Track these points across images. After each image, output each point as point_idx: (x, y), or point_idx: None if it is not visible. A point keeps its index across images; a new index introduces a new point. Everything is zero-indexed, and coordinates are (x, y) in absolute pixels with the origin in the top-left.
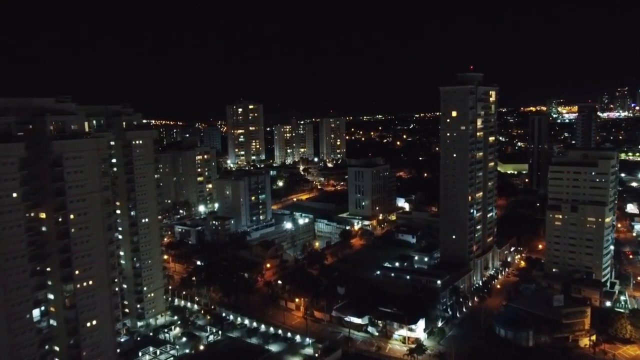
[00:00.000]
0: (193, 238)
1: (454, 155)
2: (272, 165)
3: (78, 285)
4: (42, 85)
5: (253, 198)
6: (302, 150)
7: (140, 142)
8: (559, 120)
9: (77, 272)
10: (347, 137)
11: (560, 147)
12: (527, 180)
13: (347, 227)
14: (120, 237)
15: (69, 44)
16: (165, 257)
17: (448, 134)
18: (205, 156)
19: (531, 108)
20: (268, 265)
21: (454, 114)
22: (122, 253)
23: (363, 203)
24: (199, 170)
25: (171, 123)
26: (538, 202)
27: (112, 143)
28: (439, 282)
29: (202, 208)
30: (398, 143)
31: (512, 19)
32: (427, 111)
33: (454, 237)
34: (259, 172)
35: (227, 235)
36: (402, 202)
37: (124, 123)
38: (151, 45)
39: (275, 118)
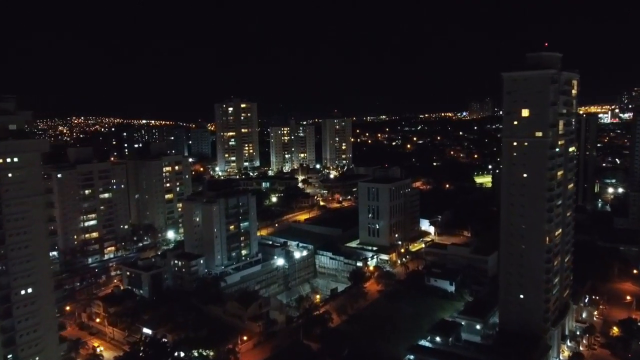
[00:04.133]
0: (145, 286)
1: (524, 175)
2: (267, 174)
3: None
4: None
5: (232, 227)
6: (301, 155)
7: (16, 159)
8: None
9: None
10: (352, 140)
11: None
12: None
13: (359, 264)
14: None
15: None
16: (98, 320)
17: (515, 144)
18: (177, 167)
19: None
20: (245, 338)
21: (525, 113)
22: None
23: (377, 227)
24: (168, 185)
25: (170, 124)
26: (592, 224)
27: None
28: None
29: (171, 234)
30: (408, 146)
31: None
32: (432, 112)
33: (521, 296)
34: (245, 191)
35: (195, 280)
36: (426, 225)
37: None
38: (150, 44)
39: (277, 120)
